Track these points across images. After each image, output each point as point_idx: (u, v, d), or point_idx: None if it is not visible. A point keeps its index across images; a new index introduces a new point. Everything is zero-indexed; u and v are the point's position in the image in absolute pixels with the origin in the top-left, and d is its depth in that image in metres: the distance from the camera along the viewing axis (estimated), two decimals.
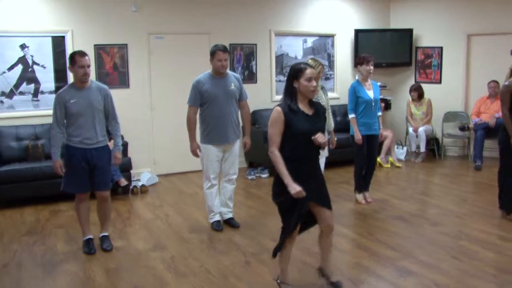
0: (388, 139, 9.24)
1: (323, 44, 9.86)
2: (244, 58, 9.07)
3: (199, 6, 8.68)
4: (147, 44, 8.30)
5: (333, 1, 9.96)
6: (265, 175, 8.45)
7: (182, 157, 8.42)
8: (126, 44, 8.19)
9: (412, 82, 10.26)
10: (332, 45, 9.98)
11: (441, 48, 10.07)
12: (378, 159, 8.95)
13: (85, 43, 7.89)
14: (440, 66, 10.09)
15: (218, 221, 5.97)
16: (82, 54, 4.98)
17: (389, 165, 9.09)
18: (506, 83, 5.83)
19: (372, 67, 6.54)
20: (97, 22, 8.03)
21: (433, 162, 9.45)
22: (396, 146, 9.63)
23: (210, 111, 5.63)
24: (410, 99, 9.85)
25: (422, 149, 9.40)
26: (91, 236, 5.40)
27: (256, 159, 8.87)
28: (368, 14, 10.41)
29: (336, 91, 10.12)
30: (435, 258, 4.93)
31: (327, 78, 9.99)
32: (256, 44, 9.18)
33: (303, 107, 3.93)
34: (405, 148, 9.76)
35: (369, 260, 4.92)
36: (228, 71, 5.78)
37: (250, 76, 9.16)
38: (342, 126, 9.03)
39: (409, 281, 4.47)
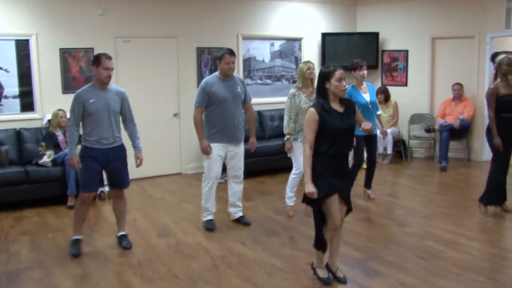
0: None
1: (290, 48, 9.92)
2: (211, 62, 9.06)
3: (167, 10, 8.65)
4: (114, 48, 8.22)
5: (300, 4, 10.02)
6: None
7: (151, 161, 8.37)
8: (92, 48, 8.09)
9: (378, 85, 10.37)
10: (300, 49, 10.04)
11: (407, 51, 10.22)
12: None
13: (50, 47, 7.81)
14: (406, 69, 10.25)
15: (211, 220, 6.05)
16: (108, 57, 5.17)
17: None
18: (492, 86, 6.11)
19: (365, 72, 6.77)
20: (63, 26, 7.92)
21: (400, 164, 9.58)
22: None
23: (217, 112, 5.78)
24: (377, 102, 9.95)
25: (389, 151, 9.50)
26: (80, 237, 5.45)
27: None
28: (335, 17, 10.51)
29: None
30: (401, 258, 4.99)
31: (294, 81, 10.01)
32: (223, 48, 9.16)
33: (335, 105, 4.24)
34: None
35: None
36: (234, 74, 5.98)
37: None
38: None
39: (376, 281, 4.53)
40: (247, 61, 9.48)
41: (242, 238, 5.69)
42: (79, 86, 7.89)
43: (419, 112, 9.98)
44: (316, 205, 4.28)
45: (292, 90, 6.30)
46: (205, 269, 4.87)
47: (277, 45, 9.80)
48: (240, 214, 6.26)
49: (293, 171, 6.44)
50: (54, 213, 6.80)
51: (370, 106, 6.76)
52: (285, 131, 6.27)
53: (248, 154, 8.40)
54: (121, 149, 5.36)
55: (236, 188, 6.16)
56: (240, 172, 6.09)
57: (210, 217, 6.05)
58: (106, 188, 7.58)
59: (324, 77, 4.20)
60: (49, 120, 7.61)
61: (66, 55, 7.95)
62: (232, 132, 5.86)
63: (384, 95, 9.78)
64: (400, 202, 7.09)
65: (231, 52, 5.79)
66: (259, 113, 9.31)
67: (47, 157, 7.17)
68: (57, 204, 7.07)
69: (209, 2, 9.01)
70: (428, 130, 9.60)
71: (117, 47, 8.27)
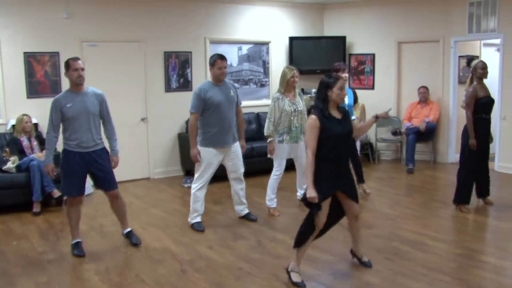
0: None
1: (258, 52, 9.94)
2: (179, 66, 9.03)
3: (133, 14, 8.58)
4: (80, 52, 8.10)
5: (267, 9, 10.06)
6: None
7: (119, 166, 8.28)
8: (57, 52, 7.98)
9: (346, 88, 10.46)
10: (267, 52, 10.07)
11: (373, 55, 10.35)
12: None
13: (14, 51, 7.68)
14: (372, 72, 10.37)
15: (200, 222, 6.16)
16: (75, 58, 5.23)
17: None
18: (471, 89, 6.43)
19: (346, 75, 7.02)
20: (27, 29, 7.80)
21: (367, 166, 9.64)
22: None
23: (213, 116, 5.91)
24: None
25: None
26: (79, 240, 5.47)
27: (192, 167, 8.77)
28: (302, 21, 10.58)
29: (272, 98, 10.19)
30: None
31: (262, 85, 10.07)
32: (191, 52, 9.15)
33: (333, 112, 4.45)
34: None
35: (305, 265, 4.95)
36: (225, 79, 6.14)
37: (185, 84, 9.10)
38: None
39: (344, 283, 4.57)
40: None
41: (210, 242, 5.68)
42: (44, 91, 7.86)
43: None
44: (315, 208, 4.39)
45: (276, 94, 6.52)
46: (173, 274, 4.84)
47: (245, 49, 9.81)
48: (246, 211, 6.45)
49: (274, 172, 6.62)
50: (19, 220, 6.66)
51: (347, 108, 6.83)
52: (266, 133, 6.50)
53: None
54: (103, 151, 5.37)
55: (238, 187, 6.33)
56: (240, 172, 6.25)
57: (198, 219, 6.16)
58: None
59: (328, 85, 4.39)
60: (13, 126, 7.49)
61: (30, 59, 7.81)
62: (227, 135, 6.01)
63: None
64: (368, 204, 7.15)
65: (222, 57, 5.94)
66: None
67: (11, 163, 7.04)
68: (22, 211, 6.94)
69: (176, 6, 8.97)
70: (395, 133, 9.72)
71: (83, 51, 8.16)
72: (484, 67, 6.43)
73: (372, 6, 10.24)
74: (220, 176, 8.35)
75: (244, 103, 9.84)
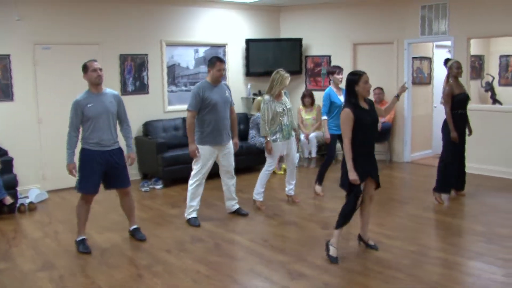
0: None
1: (215, 54, 9.90)
2: (135, 68, 8.94)
3: (88, 16, 8.45)
4: (32, 55, 7.95)
5: (224, 11, 10.06)
6: (159, 186, 8.34)
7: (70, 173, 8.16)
8: (9, 55, 7.78)
9: (303, 89, 10.56)
10: (224, 55, 10.06)
11: (329, 56, 10.47)
12: None
13: None
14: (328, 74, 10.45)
15: (196, 217, 6.41)
16: (92, 60, 5.49)
17: (282, 172, 9.25)
18: (447, 87, 6.97)
19: (341, 76, 7.42)
20: None
21: None
22: None
23: (209, 115, 6.21)
24: (301, 106, 10.14)
25: (314, 154, 9.68)
26: (85, 237, 5.66)
27: (149, 170, 8.75)
28: (259, 24, 10.62)
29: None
30: (326, 260, 5.08)
31: None
32: (147, 55, 9.08)
33: (362, 104, 4.99)
34: (297, 155, 9.97)
35: (262, 266, 5.00)
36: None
37: (141, 87, 9.02)
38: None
39: (301, 283, 4.59)
40: (171, 68, 9.41)
41: (168, 246, 5.64)
42: None
43: None
44: (355, 190, 4.93)
45: (267, 97, 6.82)
46: (130, 279, 4.78)
47: (202, 51, 9.79)
48: (237, 206, 6.74)
49: (266, 167, 6.97)
50: None
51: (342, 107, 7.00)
52: (262, 133, 6.86)
53: (173, 162, 8.41)
54: (120, 150, 5.61)
55: (229, 182, 6.60)
56: (232, 168, 6.55)
57: (194, 215, 6.42)
58: (26, 201, 7.33)
59: (354, 81, 4.93)
60: None
61: None
62: (222, 134, 6.31)
63: (310, 99, 9.96)
64: (325, 205, 7.22)
65: (221, 60, 6.29)
66: (184, 120, 9.22)
67: None
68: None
69: (132, 9, 8.89)
70: None
71: (36, 54, 8.00)
72: (459, 66, 6.95)
73: (328, 8, 10.35)
74: (176, 179, 8.39)
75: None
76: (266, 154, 6.93)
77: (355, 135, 4.87)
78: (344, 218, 5.07)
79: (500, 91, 11.30)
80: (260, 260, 5.15)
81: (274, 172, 9.09)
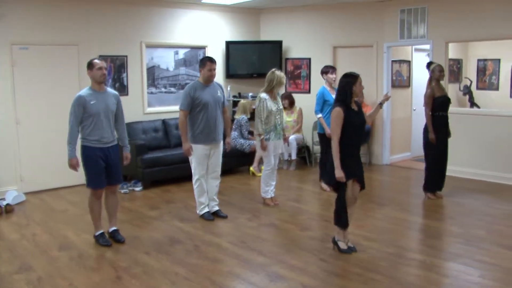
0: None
1: (195, 56, 9.91)
2: (115, 70, 8.89)
3: (67, 16, 8.36)
4: (10, 55, 7.85)
5: (204, 13, 10.05)
6: (138, 188, 8.29)
7: (53, 172, 8.11)
8: None
9: (282, 91, 10.56)
10: None
11: (309, 59, 10.52)
12: (251, 168, 9.13)
13: None
14: (308, 76, 10.53)
15: (209, 212, 6.63)
16: (98, 58, 5.68)
17: (261, 174, 9.23)
18: (429, 89, 7.16)
19: (335, 75, 7.71)
20: None
21: (304, 169, 9.79)
22: None
23: (201, 115, 6.32)
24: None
25: (293, 156, 9.70)
26: (103, 231, 5.82)
27: (129, 172, 8.69)
28: (239, 26, 10.62)
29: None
30: (304, 262, 5.11)
31: None
32: (127, 56, 9.03)
33: (352, 105, 5.11)
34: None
35: (241, 268, 5.00)
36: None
37: (121, 89, 8.95)
38: None
39: (279, 285, 4.60)
40: (151, 70, 9.37)
41: (146, 248, 5.61)
42: None
43: None
44: (342, 187, 5.10)
45: (263, 95, 6.93)
46: (108, 281, 4.75)
47: (182, 53, 9.77)
48: (216, 208, 6.76)
49: (265, 168, 7.15)
50: None
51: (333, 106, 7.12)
52: (257, 132, 6.96)
53: (152, 164, 8.38)
54: (117, 147, 5.74)
55: (213, 183, 6.68)
56: (218, 169, 6.66)
57: (206, 209, 6.62)
58: (3, 203, 7.25)
59: (352, 82, 5.05)
60: None
61: None
62: (214, 133, 6.41)
63: (288, 100, 9.97)
64: (304, 207, 7.25)
65: (212, 60, 6.40)
66: (164, 121, 9.24)
67: None
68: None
69: (111, 10, 8.84)
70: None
71: (13, 55, 7.90)
72: (441, 70, 7.19)
73: (308, 11, 10.40)
74: (156, 181, 8.37)
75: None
76: (262, 153, 7.10)
77: (343, 135, 5.00)
78: (337, 215, 5.28)
79: (477, 94, 11.47)
80: (238, 262, 5.16)
81: (253, 174, 9.11)
